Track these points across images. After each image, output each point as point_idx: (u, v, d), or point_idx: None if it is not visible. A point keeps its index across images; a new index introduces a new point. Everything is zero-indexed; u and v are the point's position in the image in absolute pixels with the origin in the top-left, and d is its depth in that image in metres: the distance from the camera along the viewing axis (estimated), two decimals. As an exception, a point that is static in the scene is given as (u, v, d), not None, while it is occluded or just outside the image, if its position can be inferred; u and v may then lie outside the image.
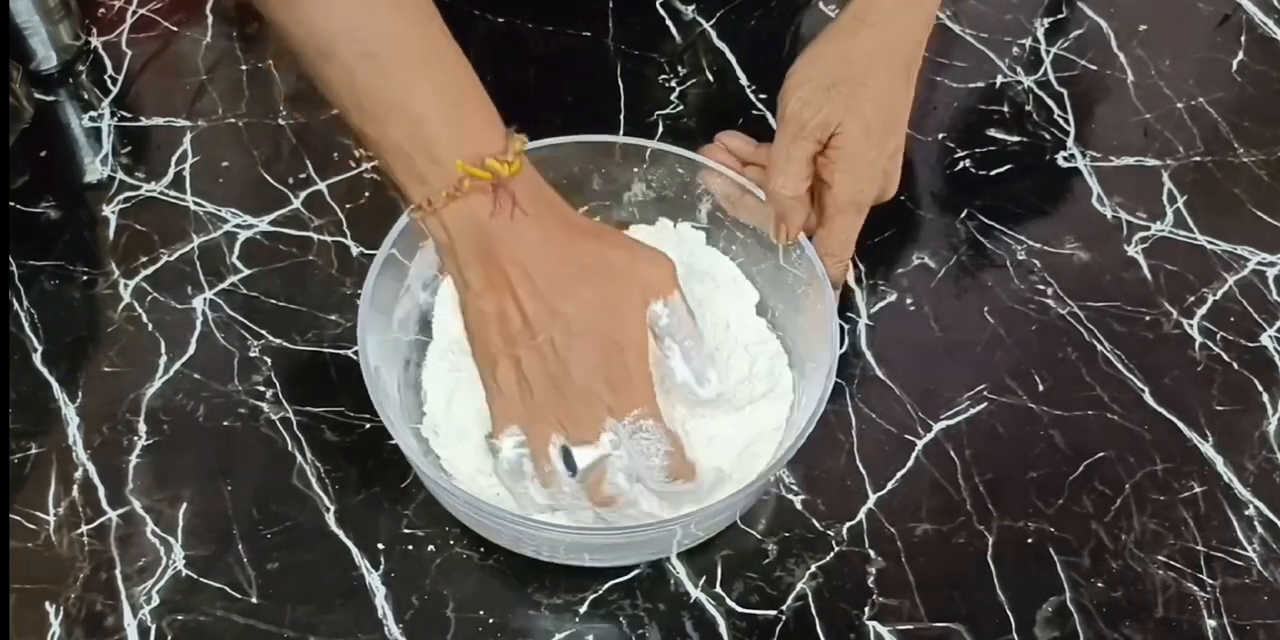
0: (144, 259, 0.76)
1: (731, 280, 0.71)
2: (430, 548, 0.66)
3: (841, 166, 0.68)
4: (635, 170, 0.71)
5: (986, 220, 0.80)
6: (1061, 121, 0.85)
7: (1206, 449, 0.71)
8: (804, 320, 0.67)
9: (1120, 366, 0.74)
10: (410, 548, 0.66)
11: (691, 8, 0.90)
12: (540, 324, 0.59)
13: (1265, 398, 0.73)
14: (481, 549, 0.66)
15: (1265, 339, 0.75)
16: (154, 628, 0.63)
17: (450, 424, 0.66)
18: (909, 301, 0.76)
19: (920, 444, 0.71)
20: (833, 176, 0.68)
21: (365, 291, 0.63)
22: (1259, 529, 0.68)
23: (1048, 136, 0.84)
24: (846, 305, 0.76)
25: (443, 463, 0.65)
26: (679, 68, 0.86)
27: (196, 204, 0.78)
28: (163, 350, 0.72)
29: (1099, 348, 0.75)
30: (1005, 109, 0.86)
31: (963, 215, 0.80)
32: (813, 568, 0.66)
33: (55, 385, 0.71)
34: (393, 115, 0.59)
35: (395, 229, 0.64)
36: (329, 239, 0.77)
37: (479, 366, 0.62)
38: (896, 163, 0.70)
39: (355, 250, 0.76)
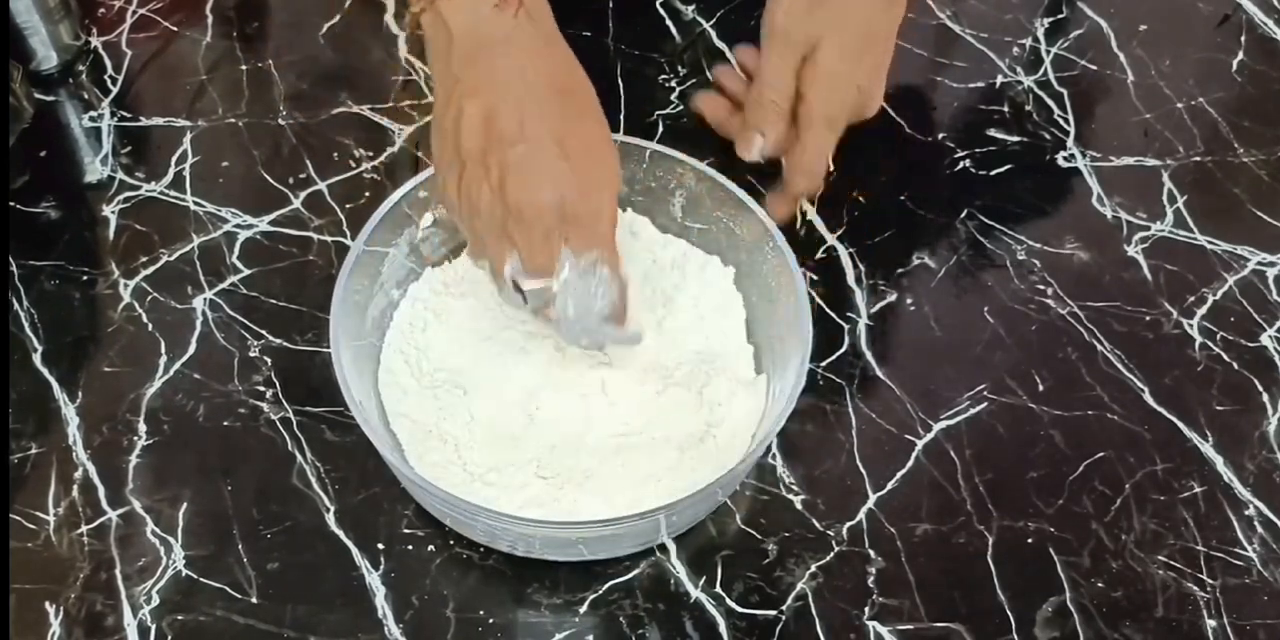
0: (144, 259, 0.76)
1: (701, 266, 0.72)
2: (430, 548, 0.66)
3: (817, 81, 0.69)
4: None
5: (986, 220, 0.80)
6: (1061, 121, 0.85)
7: (1206, 449, 0.71)
8: (778, 309, 0.67)
9: (1120, 366, 0.74)
10: (410, 548, 0.66)
11: (691, 8, 0.90)
12: (523, 134, 0.58)
13: (1265, 398, 0.73)
14: (481, 549, 0.66)
15: (1265, 339, 0.75)
16: (154, 628, 0.63)
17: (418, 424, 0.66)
18: (909, 301, 0.76)
19: (920, 444, 0.71)
20: (808, 90, 0.70)
21: (337, 289, 0.63)
22: (1259, 529, 0.68)
23: (1048, 136, 0.84)
24: (846, 305, 0.76)
25: (411, 457, 0.65)
26: (679, 68, 0.86)
27: (196, 204, 0.78)
28: (163, 350, 0.72)
29: (1099, 348, 0.75)
30: (1005, 109, 0.86)
31: (963, 215, 0.80)
32: (813, 568, 0.66)
33: (55, 385, 0.71)
34: None
35: (369, 226, 0.65)
36: (329, 239, 0.77)
37: (442, 171, 0.62)
38: (876, 80, 0.71)
39: (355, 250, 0.76)
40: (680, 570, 0.66)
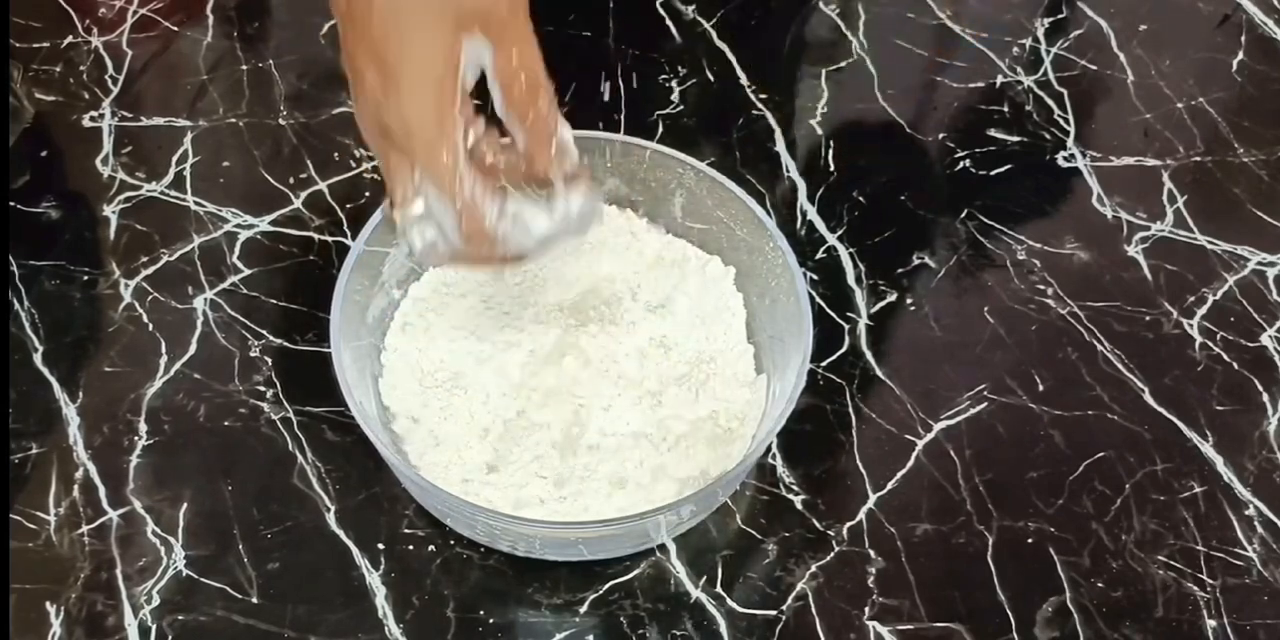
0: (144, 259, 0.76)
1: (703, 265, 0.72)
2: (430, 548, 0.66)
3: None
4: (607, 165, 0.71)
5: (986, 220, 0.80)
6: (1061, 121, 0.85)
7: (1206, 449, 0.71)
8: (779, 309, 0.67)
9: (1120, 366, 0.74)
10: (410, 548, 0.66)
11: (691, 8, 0.90)
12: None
13: (1265, 398, 0.73)
14: (481, 549, 0.66)
15: (1265, 339, 0.75)
16: (154, 628, 0.63)
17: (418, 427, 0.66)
18: (909, 301, 0.76)
19: (920, 444, 0.71)
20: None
21: (337, 289, 0.63)
22: (1259, 529, 0.68)
23: (1048, 136, 0.84)
24: (846, 305, 0.76)
25: (411, 457, 0.65)
26: (679, 68, 0.86)
27: (197, 204, 0.78)
28: (163, 350, 0.72)
29: (1099, 348, 0.75)
30: (1005, 109, 0.86)
31: (963, 215, 0.80)
32: (813, 568, 0.66)
33: (55, 385, 0.71)
34: None
35: (369, 225, 0.65)
36: (329, 239, 0.77)
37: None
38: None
39: (355, 250, 0.76)
40: (680, 570, 0.66)
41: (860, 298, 0.76)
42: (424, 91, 0.51)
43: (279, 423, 0.70)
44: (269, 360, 0.72)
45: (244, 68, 0.85)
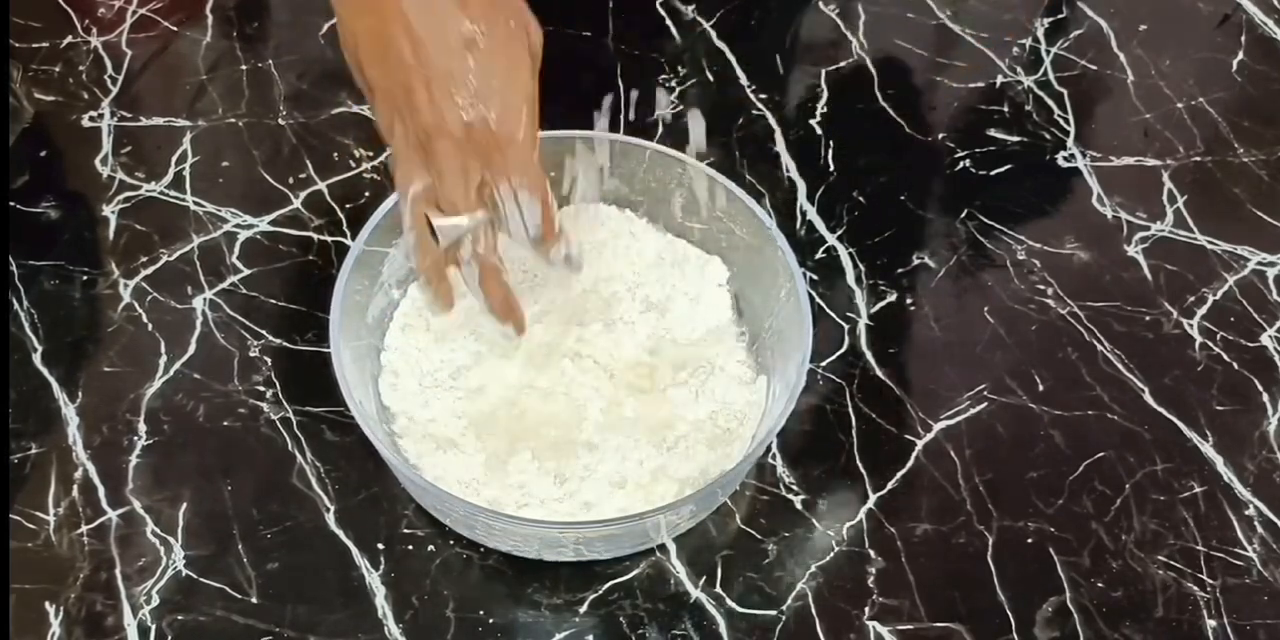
0: (144, 259, 0.76)
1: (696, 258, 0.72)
2: (430, 548, 0.66)
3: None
4: (608, 164, 0.71)
5: (986, 220, 0.80)
6: (1061, 121, 0.85)
7: (1206, 449, 0.71)
8: (779, 310, 0.67)
9: (1120, 366, 0.74)
10: (410, 548, 0.66)
11: (691, 8, 0.90)
12: (429, 59, 0.55)
13: (1265, 398, 0.73)
14: (481, 549, 0.66)
15: (1265, 339, 0.75)
16: (154, 628, 0.63)
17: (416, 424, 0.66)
18: (909, 301, 0.76)
19: (920, 444, 0.71)
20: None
21: (337, 289, 0.63)
22: (1259, 529, 0.68)
23: (1048, 136, 0.84)
24: (846, 305, 0.76)
25: (410, 457, 0.65)
26: (679, 68, 0.86)
27: (196, 204, 0.78)
28: (163, 350, 0.72)
29: (1099, 348, 0.75)
30: (1005, 109, 0.86)
31: (963, 215, 0.80)
32: (813, 568, 0.66)
33: (55, 385, 0.71)
34: None
35: (369, 225, 0.65)
36: (329, 239, 0.77)
37: (371, 97, 0.58)
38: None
39: (355, 250, 0.76)
40: (680, 570, 0.66)
41: (860, 298, 0.76)
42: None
43: (278, 423, 0.70)
44: (268, 360, 0.72)
45: (243, 68, 0.85)
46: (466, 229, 0.58)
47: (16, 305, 0.73)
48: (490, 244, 0.60)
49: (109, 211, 0.78)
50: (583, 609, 0.65)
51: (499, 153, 0.56)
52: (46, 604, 0.64)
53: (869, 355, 0.74)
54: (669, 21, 0.89)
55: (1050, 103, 0.86)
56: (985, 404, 0.72)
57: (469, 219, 0.58)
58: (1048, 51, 0.89)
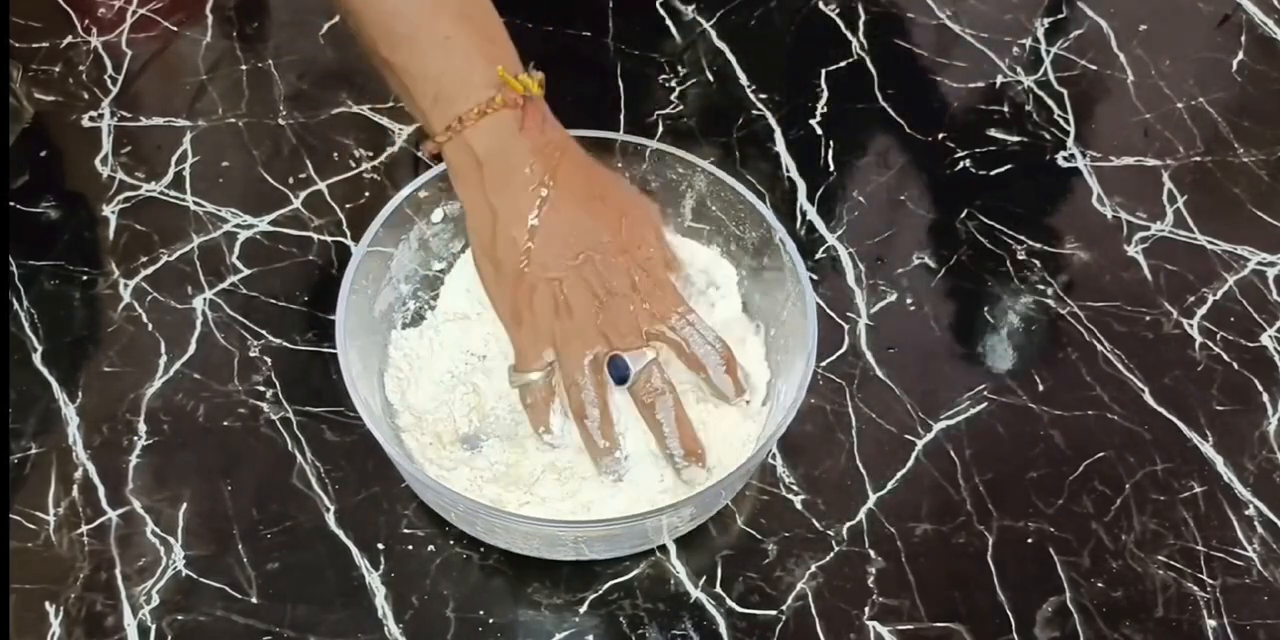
0: (144, 259, 0.76)
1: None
2: (430, 548, 0.66)
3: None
4: (618, 165, 0.71)
5: (986, 220, 0.80)
6: (1061, 121, 0.85)
7: (1206, 449, 0.71)
8: (782, 310, 0.67)
9: (1120, 366, 0.74)
10: (410, 548, 0.66)
11: (691, 8, 0.90)
12: (578, 243, 0.61)
13: (1265, 398, 0.73)
14: (481, 549, 0.66)
15: (1265, 339, 0.75)
16: (154, 628, 0.63)
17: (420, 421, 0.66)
18: (909, 301, 0.76)
19: (920, 444, 0.71)
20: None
21: (343, 287, 0.63)
22: (1259, 529, 0.68)
23: (1048, 136, 0.84)
24: (847, 305, 0.76)
25: (413, 453, 0.65)
26: (679, 68, 0.86)
27: (196, 204, 0.78)
28: (163, 350, 0.72)
29: (1099, 348, 0.75)
30: (1005, 109, 0.86)
31: (963, 215, 0.80)
32: (813, 568, 0.66)
33: (55, 385, 0.71)
34: (421, 34, 0.60)
35: (376, 222, 0.65)
36: (329, 239, 0.77)
37: (499, 302, 0.63)
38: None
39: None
40: (680, 570, 0.66)
41: (860, 298, 0.76)
42: None
43: (278, 423, 0.70)
44: (268, 360, 0.72)
45: (243, 68, 0.85)
46: (650, 361, 0.62)
47: (16, 305, 0.73)
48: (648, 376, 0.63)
49: (109, 211, 0.78)
50: (583, 609, 0.65)
51: (654, 300, 0.63)
52: (46, 604, 0.64)
53: (869, 355, 0.74)
54: (669, 21, 0.89)
55: (1050, 103, 0.86)
56: (985, 404, 0.72)
57: (650, 354, 0.62)
58: (1048, 51, 0.89)
